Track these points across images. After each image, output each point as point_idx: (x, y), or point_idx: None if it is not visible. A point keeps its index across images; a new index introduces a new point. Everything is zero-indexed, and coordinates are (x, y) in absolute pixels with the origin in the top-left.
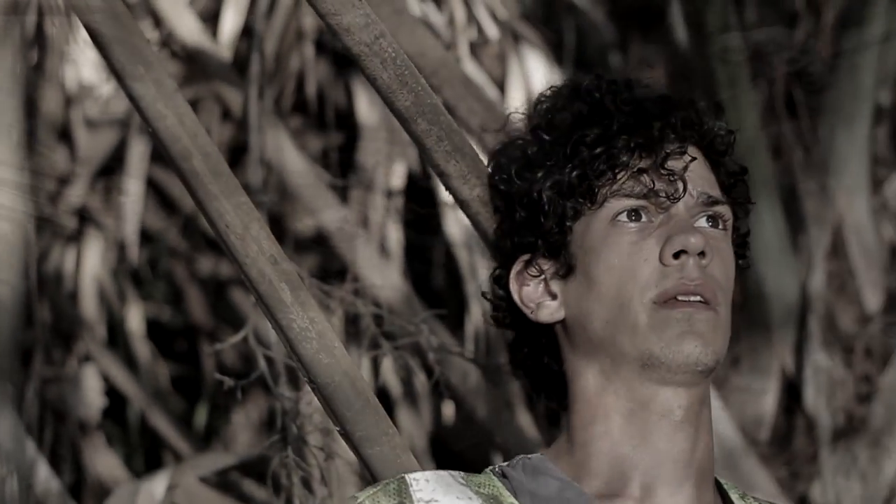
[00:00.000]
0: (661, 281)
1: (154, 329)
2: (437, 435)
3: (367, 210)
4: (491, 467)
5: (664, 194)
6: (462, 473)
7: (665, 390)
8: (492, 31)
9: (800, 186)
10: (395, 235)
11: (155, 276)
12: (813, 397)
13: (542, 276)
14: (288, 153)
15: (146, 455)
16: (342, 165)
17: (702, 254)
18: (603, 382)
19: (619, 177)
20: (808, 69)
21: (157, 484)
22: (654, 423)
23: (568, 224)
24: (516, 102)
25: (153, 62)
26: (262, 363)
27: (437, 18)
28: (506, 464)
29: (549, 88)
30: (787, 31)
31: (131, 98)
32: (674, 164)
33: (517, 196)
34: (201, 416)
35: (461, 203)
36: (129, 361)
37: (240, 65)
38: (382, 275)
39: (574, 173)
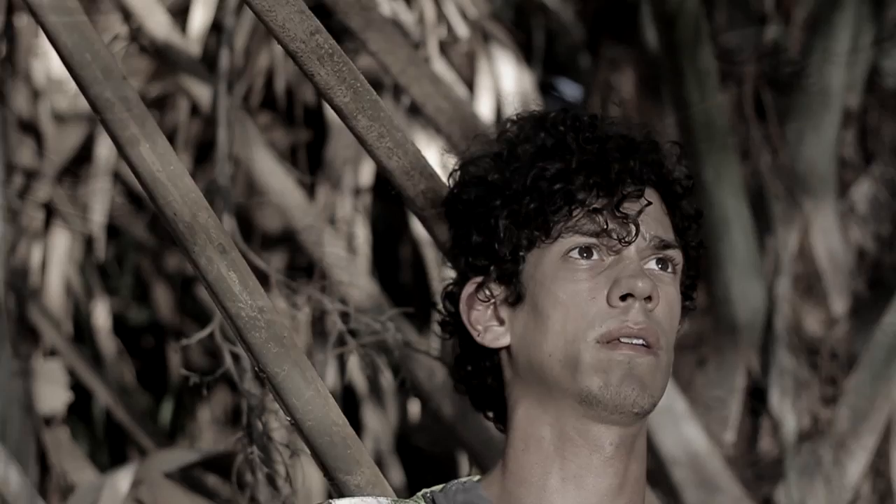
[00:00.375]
0: (606, 321)
1: (120, 324)
2: (402, 433)
3: (334, 207)
4: (424, 492)
5: (617, 236)
6: (390, 501)
7: (599, 427)
8: (462, 30)
9: (768, 189)
10: (362, 233)
11: (122, 272)
12: (778, 399)
13: (492, 301)
14: (256, 149)
15: (111, 450)
16: (310, 162)
17: (648, 298)
18: (539, 413)
19: (574, 214)
20: (777, 72)
21: (122, 479)
22: (585, 458)
23: (521, 253)
24: (485, 102)
25: (107, 59)
26: (229, 359)
27: (406, 17)
28: (440, 487)
29: (516, 115)
30: (757, 34)
31: (80, 85)
32: (629, 206)
33: (474, 220)
34: (167, 412)
35: (406, 199)
36: (95, 356)
37: (209, 60)
38: (349, 272)
39: (531, 206)
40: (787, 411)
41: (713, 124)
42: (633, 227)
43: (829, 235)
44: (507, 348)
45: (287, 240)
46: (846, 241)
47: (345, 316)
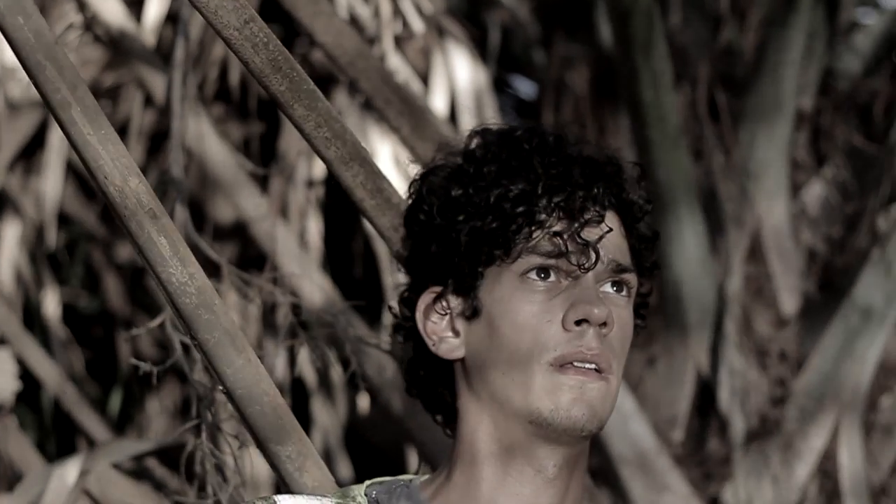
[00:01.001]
0: (560, 345)
1: (70, 313)
2: (352, 426)
3: (287, 200)
4: (369, 484)
5: (576, 261)
6: (335, 500)
7: (545, 448)
8: (417, 25)
9: (720, 189)
10: (314, 226)
11: (72, 261)
12: (727, 399)
13: (449, 313)
14: (209, 141)
15: (59, 440)
16: (263, 155)
17: (603, 324)
18: (489, 428)
19: (535, 235)
20: (731, 73)
21: (70, 469)
22: (528, 477)
23: (480, 269)
24: (439, 97)
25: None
26: (179, 350)
27: (362, 10)
28: (385, 484)
29: (482, 129)
30: (712, 35)
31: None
32: (590, 233)
33: (435, 232)
34: (116, 402)
35: (346, 189)
36: (45, 345)
37: (163, 51)
38: (301, 265)
39: (493, 224)
40: (735, 411)
41: (666, 123)
42: (592, 254)
43: (780, 237)
44: (462, 360)
45: (239, 231)
46: (797, 242)
47: (296, 308)
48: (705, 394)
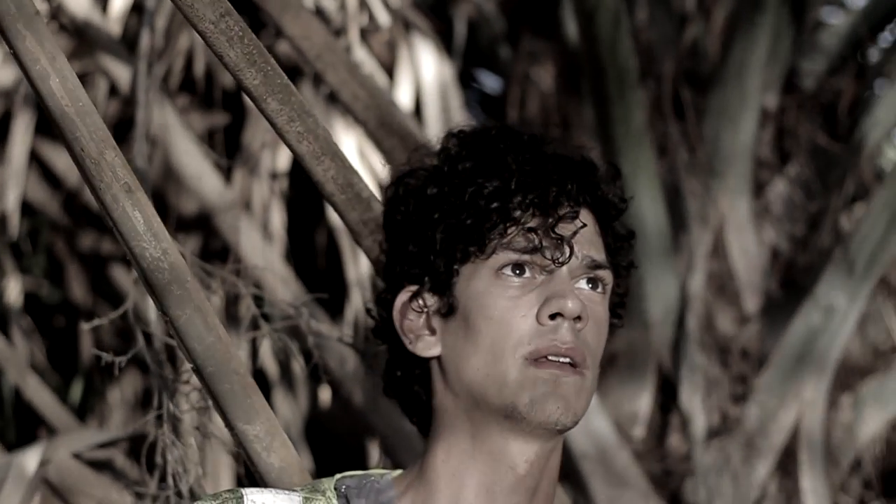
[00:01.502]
0: (534, 339)
1: (32, 303)
2: (313, 419)
3: (251, 192)
4: (339, 479)
5: (550, 256)
6: (302, 497)
7: (517, 443)
8: (383, 18)
9: (683, 186)
10: (278, 218)
11: (35, 250)
12: (688, 396)
13: (425, 311)
14: (174, 131)
15: (19, 429)
16: (228, 146)
17: (578, 318)
18: (464, 425)
19: (509, 231)
20: (696, 70)
21: (30, 458)
22: (501, 474)
23: (456, 266)
24: (405, 91)
25: None
26: (141, 340)
27: (328, 3)
28: (356, 479)
29: (458, 130)
30: (677, 32)
31: None
32: (564, 227)
33: (411, 231)
34: (76, 392)
35: (316, 183)
36: (6, 334)
37: (129, 41)
38: (264, 257)
39: (468, 221)
40: (696, 408)
41: (631, 120)
42: (566, 249)
43: (743, 234)
44: (438, 358)
45: (203, 223)
46: (760, 240)
47: (258, 300)
48: (667, 390)
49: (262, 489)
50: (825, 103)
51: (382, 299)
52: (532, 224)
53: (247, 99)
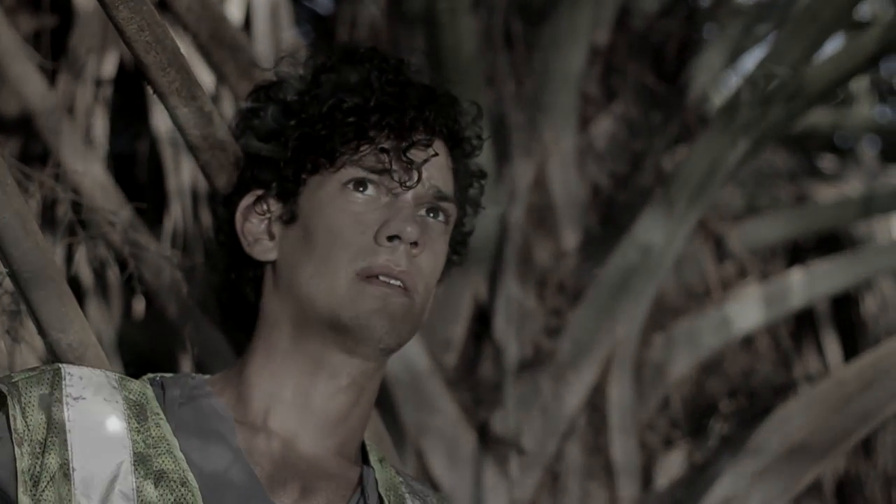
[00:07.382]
0: (369, 257)
1: None
2: (125, 329)
3: (74, 96)
4: (152, 376)
5: (398, 178)
6: (118, 377)
7: (341, 356)
8: None
9: (509, 117)
10: (100, 125)
11: None
12: (502, 327)
13: (268, 216)
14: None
15: None
16: (54, 49)
17: (415, 244)
18: (290, 330)
19: (362, 149)
20: (528, 1)
21: None
22: (321, 381)
23: (304, 176)
24: (235, 4)
25: None
26: None
27: None
28: (171, 375)
29: (330, 46)
30: None
31: None
32: (416, 153)
33: (264, 135)
34: None
35: (160, 94)
36: None
37: None
38: (85, 163)
39: (322, 132)
40: (510, 339)
41: (461, 47)
42: (415, 174)
43: (565, 169)
44: (273, 263)
45: (24, 125)
46: (582, 176)
47: (76, 206)
48: (481, 320)
49: (82, 367)
50: (655, 44)
51: (227, 199)
52: (385, 145)
53: (77, 2)
